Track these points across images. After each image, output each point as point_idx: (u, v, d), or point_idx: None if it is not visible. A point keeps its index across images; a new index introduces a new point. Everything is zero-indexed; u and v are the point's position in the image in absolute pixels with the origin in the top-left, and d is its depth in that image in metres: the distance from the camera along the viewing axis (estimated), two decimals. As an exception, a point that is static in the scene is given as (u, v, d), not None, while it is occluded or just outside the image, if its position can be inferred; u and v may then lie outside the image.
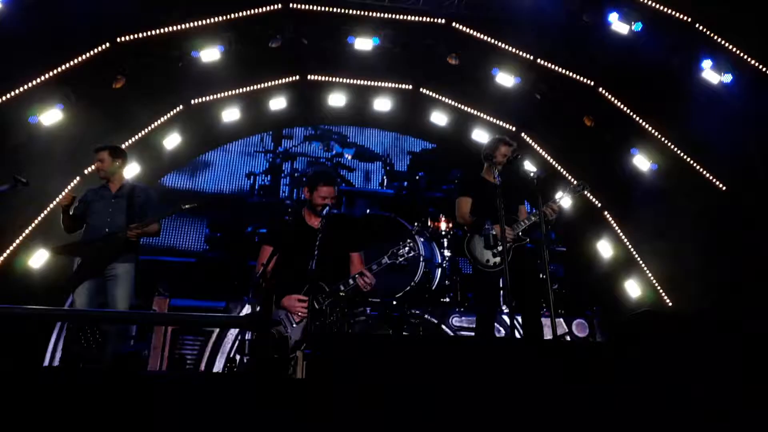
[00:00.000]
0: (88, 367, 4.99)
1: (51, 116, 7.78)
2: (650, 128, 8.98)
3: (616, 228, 9.38)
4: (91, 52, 7.97)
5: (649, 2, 8.58)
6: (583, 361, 2.86)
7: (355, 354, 2.70)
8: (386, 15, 9.03)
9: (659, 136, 8.92)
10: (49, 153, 7.56)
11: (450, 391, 2.63)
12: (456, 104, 10.00)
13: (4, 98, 7.43)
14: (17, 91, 7.52)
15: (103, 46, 8.02)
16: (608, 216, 9.47)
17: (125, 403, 2.66)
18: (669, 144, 8.85)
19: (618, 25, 8.72)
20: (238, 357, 7.29)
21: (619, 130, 9.30)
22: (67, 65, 7.83)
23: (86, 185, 8.14)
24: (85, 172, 8.16)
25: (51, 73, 7.73)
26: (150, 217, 5.40)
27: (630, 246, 9.24)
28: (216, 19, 8.43)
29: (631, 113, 9.09)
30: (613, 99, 9.15)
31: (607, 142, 9.46)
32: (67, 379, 3.01)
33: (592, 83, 9.18)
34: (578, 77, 9.21)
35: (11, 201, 6.63)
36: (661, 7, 8.53)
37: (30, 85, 7.60)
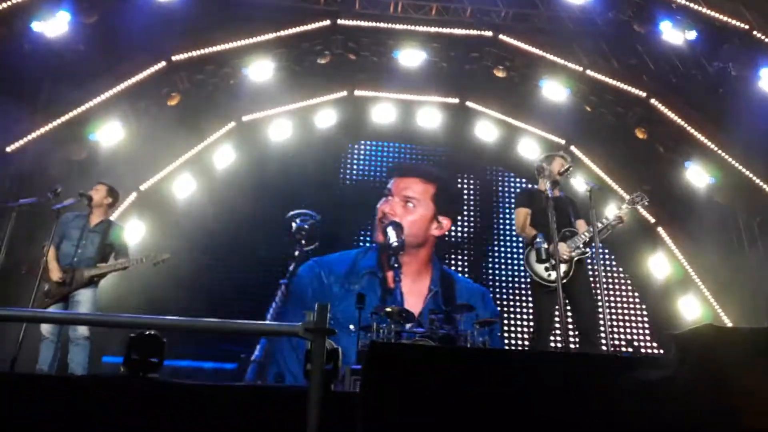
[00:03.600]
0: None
1: (109, 133, 8.11)
2: (706, 140, 8.70)
3: (671, 245, 9.07)
4: (148, 71, 8.27)
5: (705, 9, 8.37)
6: (640, 374, 2.76)
7: (400, 365, 2.68)
8: (432, 29, 9.09)
9: (716, 149, 8.63)
10: (107, 169, 7.84)
11: (492, 404, 2.57)
12: (504, 117, 9.89)
13: (67, 117, 7.79)
14: (79, 110, 7.87)
15: (159, 65, 8.32)
16: (662, 232, 9.17)
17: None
18: (726, 157, 8.55)
19: (671, 33, 8.53)
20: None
21: (672, 142, 9.07)
22: (125, 84, 8.14)
23: (142, 201, 8.47)
24: (141, 188, 8.44)
25: (110, 92, 8.06)
26: (121, 261, 5.58)
27: (686, 263, 8.93)
28: (266, 36, 8.65)
29: (686, 125, 8.83)
30: (666, 110, 8.92)
31: (661, 155, 9.21)
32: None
33: (645, 94, 8.97)
34: (630, 88, 9.02)
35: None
36: (718, 15, 8.30)
37: (91, 104, 7.93)
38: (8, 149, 7.43)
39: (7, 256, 4.93)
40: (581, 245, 5.05)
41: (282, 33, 8.69)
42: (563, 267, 4.91)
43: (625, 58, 9.26)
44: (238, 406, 3.09)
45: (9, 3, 7.40)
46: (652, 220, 9.24)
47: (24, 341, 4.64)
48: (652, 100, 8.96)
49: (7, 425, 2.80)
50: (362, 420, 2.48)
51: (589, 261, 5.23)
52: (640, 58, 9.20)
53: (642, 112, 9.07)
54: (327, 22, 8.81)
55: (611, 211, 5.38)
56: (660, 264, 9.23)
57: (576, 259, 5.02)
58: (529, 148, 9.76)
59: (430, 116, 9.92)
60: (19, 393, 3.02)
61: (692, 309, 8.78)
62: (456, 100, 9.88)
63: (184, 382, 3.25)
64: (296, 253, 9.08)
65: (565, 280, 4.84)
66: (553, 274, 4.86)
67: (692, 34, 8.46)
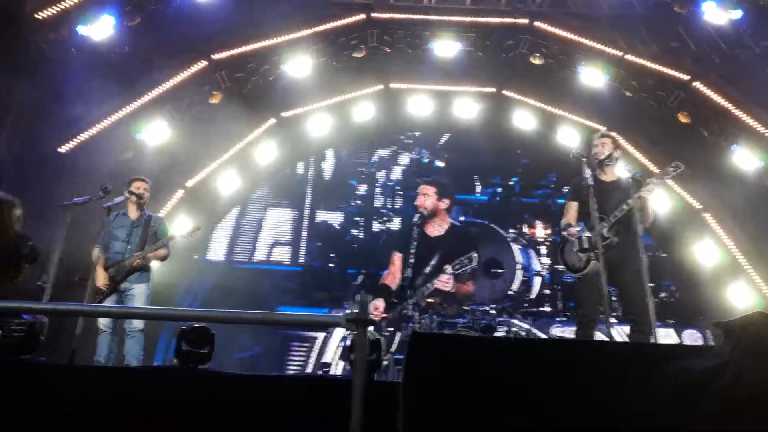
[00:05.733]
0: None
1: (154, 132, 8.35)
2: (754, 122, 8.40)
3: (719, 231, 8.82)
4: (190, 71, 8.47)
5: (751, -13, 8.08)
6: (690, 363, 2.73)
7: (442, 355, 2.73)
8: (467, 18, 9.02)
9: (764, 131, 8.33)
10: (153, 167, 8.08)
11: (535, 394, 2.59)
12: (541, 105, 9.76)
13: (113, 117, 8.05)
14: (125, 111, 8.12)
15: (201, 64, 8.51)
16: (709, 218, 8.92)
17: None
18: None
19: (714, 13, 8.26)
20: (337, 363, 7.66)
21: (718, 126, 8.77)
22: (169, 84, 8.36)
23: (189, 197, 8.72)
24: (187, 185, 8.68)
25: (154, 92, 8.29)
26: (157, 245, 5.89)
27: (735, 250, 8.67)
28: (303, 32, 8.75)
29: (732, 107, 8.53)
30: (710, 93, 8.64)
31: (706, 139, 8.95)
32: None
33: (687, 77, 8.72)
34: (671, 71, 8.77)
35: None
36: (765, -8, 8.01)
37: (136, 104, 8.18)
38: (60, 149, 7.74)
39: (62, 254, 5.17)
40: (604, 232, 4.91)
41: (318, 29, 8.75)
42: (584, 256, 4.87)
43: (666, 40, 8.98)
44: (284, 396, 3.20)
45: (56, 9, 7.67)
46: (698, 206, 9.01)
47: (81, 335, 4.86)
48: (696, 83, 8.67)
49: (66, 416, 2.96)
50: (405, 409, 2.54)
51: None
52: (681, 41, 8.92)
53: (684, 95, 8.80)
54: (362, 16, 8.85)
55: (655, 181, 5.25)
56: (707, 251, 8.99)
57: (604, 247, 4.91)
58: (569, 136, 9.64)
59: (466, 106, 9.90)
60: (77, 385, 3.19)
61: (742, 297, 8.54)
62: (492, 90, 9.81)
63: (233, 373, 3.37)
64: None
65: (586, 271, 4.81)
66: (580, 264, 4.86)
67: (737, 13, 8.19)
